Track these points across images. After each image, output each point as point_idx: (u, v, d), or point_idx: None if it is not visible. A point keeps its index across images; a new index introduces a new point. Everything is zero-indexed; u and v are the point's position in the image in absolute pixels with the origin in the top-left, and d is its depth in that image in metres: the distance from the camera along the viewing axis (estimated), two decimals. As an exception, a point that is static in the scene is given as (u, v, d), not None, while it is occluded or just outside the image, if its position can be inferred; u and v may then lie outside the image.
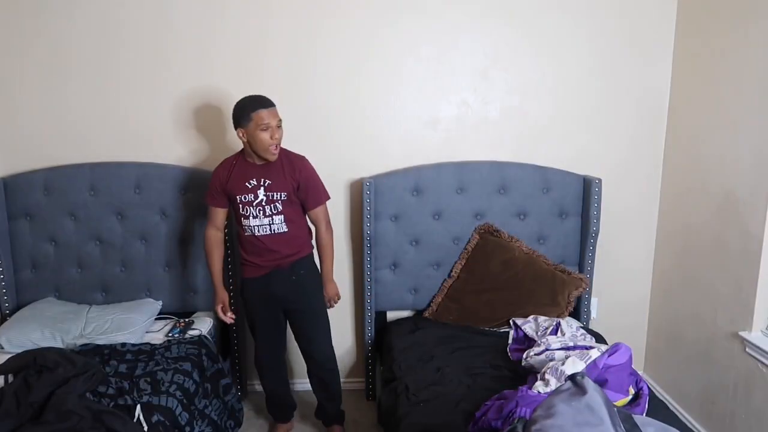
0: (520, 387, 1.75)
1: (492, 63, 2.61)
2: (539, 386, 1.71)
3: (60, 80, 2.50)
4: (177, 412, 1.89)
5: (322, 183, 2.28)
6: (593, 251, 2.64)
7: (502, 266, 2.56)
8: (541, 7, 2.57)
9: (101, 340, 2.28)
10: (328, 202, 2.30)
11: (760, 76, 2.08)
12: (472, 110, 2.66)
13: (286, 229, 2.20)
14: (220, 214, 2.26)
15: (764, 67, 2.06)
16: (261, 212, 2.17)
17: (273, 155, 2.12)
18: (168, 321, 2.55)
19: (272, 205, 2.17)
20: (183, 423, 1.90)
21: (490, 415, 1.63)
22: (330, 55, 2.55)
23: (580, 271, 2.67)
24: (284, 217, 2.19)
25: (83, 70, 2.50)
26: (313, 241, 2.33)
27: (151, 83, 2.52)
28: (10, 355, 2.06)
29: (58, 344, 2.23)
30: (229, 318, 2.30)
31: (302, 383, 2.73)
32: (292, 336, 2.42)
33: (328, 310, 2.39)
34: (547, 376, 1.73)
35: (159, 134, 2.57)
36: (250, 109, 2.07)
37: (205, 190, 2.30)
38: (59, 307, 2.48)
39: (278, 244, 2.20)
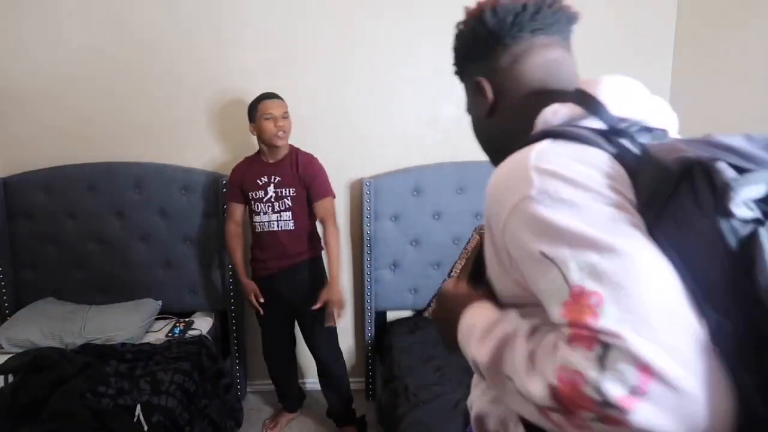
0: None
1: (492, 63, 2.61)
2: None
3: (60, 80, 2.50)
4: (177, 412, 1.89)
5: (327, 180, 2.31)
6: (593, 251, 2.63)
7: (502, 266, 2.56)
8: (541, 7, 2.56)
9: (101, 340, 2.28)
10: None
11: (761, 76, 2.08)
12: (472, 110, 2.65)
13: (292, 227, 2.27)
14: (238, 209, 2.35)
15: (765, 66, 2.06)
16: (270, 209, 2.26)
17: (280, 140, 2.21)
18: (168, 321, 2.55)
19: (281, 201, 2.25)
20: (183, 423, 1.90)
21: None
22: (330, 55, 2.54)
23: (580, 271, 2.66)
24: (292, 214, 2.26)
25: (84, 70, 2.49)
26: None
27: (151, 83, 2.52)
28: (10, 355, 2.07)
29: (58, 344, 2.23)
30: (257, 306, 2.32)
31: (312, 383, 2.74)
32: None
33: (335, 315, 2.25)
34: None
35: (159, 134, 2.57)
36: (257, 101, 2.23)
37: (205, 190, 2.40)
38: (59, 307, 2.47)
39: (285, 241, 2.27)
